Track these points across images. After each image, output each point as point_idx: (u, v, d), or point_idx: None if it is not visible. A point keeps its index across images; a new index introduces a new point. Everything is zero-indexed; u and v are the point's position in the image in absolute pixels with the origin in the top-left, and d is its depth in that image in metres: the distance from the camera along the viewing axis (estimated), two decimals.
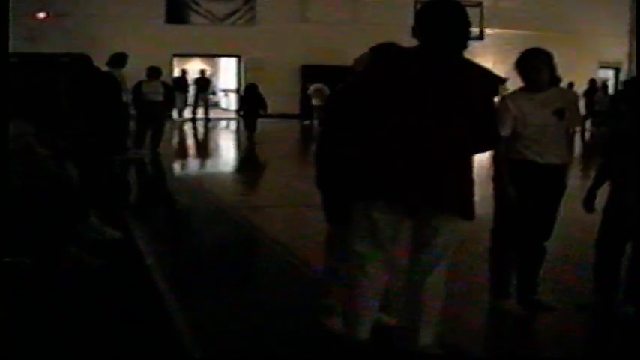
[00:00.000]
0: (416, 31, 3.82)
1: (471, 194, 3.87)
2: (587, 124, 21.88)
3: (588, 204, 5.00)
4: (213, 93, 30.96)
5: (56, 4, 24.18)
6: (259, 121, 17.93)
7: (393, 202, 3.80)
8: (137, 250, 6.52)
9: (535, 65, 4.78)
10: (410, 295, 4.03)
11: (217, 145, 20.05)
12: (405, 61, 3.87)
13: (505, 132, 4.73)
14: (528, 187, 4.75)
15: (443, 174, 3.73)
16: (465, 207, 3.85)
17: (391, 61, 3.90)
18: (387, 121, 3.77)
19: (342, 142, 4.11)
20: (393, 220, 3.87)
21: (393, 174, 3.75)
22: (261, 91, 18.47)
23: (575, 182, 5.97)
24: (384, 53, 4.05)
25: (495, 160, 4.87)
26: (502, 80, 3.93)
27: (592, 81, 23.35)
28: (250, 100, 18.31)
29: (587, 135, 21.18)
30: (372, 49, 4.21)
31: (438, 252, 3.90)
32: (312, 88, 22.98)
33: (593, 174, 5.20)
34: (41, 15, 23.90)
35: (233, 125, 23.71)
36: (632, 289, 4.89)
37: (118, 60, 13.86)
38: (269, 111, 18.32)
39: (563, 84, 18.98)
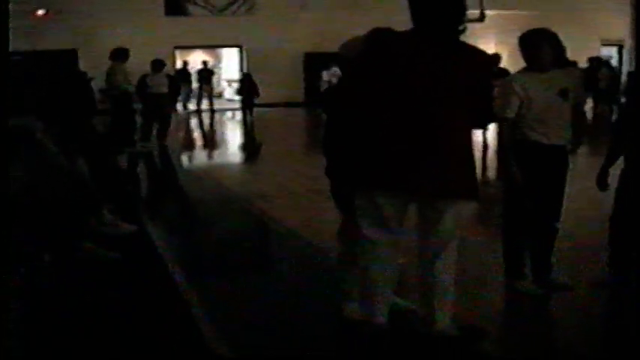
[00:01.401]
0: (412, 15, 3.82)
1: (473, 175, 3.87)
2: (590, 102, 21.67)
3: (601, 182, 4.99)
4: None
5: (55, 1, 24.16)
6: (263, 110, 18.21)
7: (395, 189, 3.82)
8: (151, 243, 6.54)
9: (536, 45, 4.75)
10: (422, 279, 4.04)
11: (223, 136, 20.05)
12: (398, 45, 3.83)
13: (510, 113, 4.73)
14: (534, 168, 4.74)
15: (443, 158, 3.73)
16: (467, 189, 3.85)
17: (385, 46, 3.86)
18: (384, 108, 3.77)
19: (345, 130, 4.10)
20: (398, 204, 3.88)
21: (394, 161, 3.75)
22: (257, 80, 21.19)
23: (585, 160, 5.98)
24: (377, 38, 4.00)
25: (500, 142, 4.87)
26: (496, 60, 3.91)
27: (595, 59, 23.14)
28: (247, 88, 21.07)
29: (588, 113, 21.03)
30: (365, 36, 4.19)
31: (446, 234, 3.90)
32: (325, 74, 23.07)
33: (601, 152, 5.18)
34: (40, 12, 23.88)
35: (238, 115, 23.74)
36: None
37: (120, 54, 13.92)
38: (274, 100, 18.92)
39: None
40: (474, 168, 3.87)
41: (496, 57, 12.42)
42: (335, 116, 4.36)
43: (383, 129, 3.78)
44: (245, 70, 25.16)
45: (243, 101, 21.57)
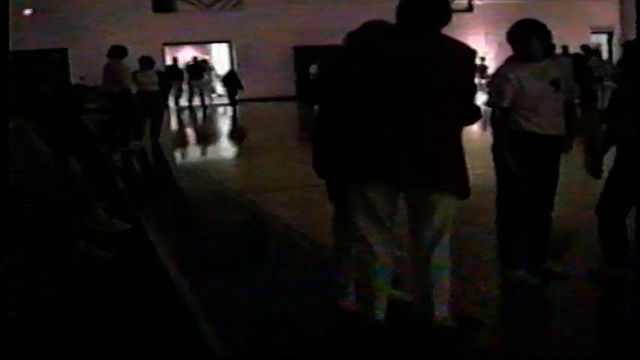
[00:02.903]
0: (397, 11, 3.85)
1: (463, 171, 3.87)
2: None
3: (595, 170, 4.99)
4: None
5: (42, 0, 24.07)
6: (255, 104, 18.40)
7: (385, 182, 3.83)
8: (147, 241, 6.54)
9: (523, 39, 4.77)
10: (418, 272, 4.05)
11: (215, 131, 20.03)
12: (385, 39, 3.87)
13: (505, 103, 4.76)
14: (527, 158, 4.76)
15: (432, 152, 3.74)
16: (458, 185, 3.86)
17: (371, 39, 3.90)
18: (371, 101, 3.77)
19: (334, 124, 4.09)
20: (389, 198, 3.89)
21: (383, 154, 3.76)
22: (247, 76, 23.44)
23: (577, 149, 5.94)
24: (362, 34, 4.04)
25: (494, 131, 4.88)
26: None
27: (584, 47, 23.07)
28: (231, 83, 23.19)
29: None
30: (350, 33, 4.21)
31: (438, 227, 3.90)
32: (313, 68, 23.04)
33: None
34: (27, 12, 23.77)
35: (230, 111, 23.75)
36: None
37: (120, 52, 13.86)
38: (266, 94, 19.28)
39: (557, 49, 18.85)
40: (464, 163, 3.87)
41: None
42: (324, 108, 4.36)
43: (369, 121, 3.79)
44: (235, 65, 25.16)
45: (228, 96, 22.72)
